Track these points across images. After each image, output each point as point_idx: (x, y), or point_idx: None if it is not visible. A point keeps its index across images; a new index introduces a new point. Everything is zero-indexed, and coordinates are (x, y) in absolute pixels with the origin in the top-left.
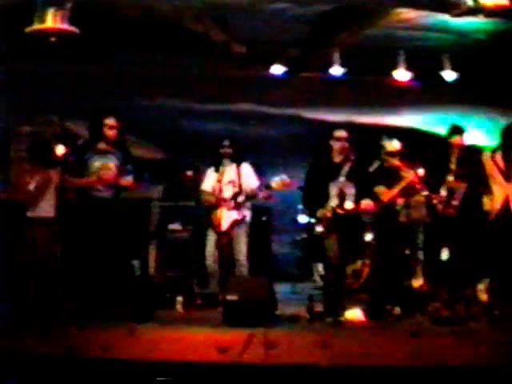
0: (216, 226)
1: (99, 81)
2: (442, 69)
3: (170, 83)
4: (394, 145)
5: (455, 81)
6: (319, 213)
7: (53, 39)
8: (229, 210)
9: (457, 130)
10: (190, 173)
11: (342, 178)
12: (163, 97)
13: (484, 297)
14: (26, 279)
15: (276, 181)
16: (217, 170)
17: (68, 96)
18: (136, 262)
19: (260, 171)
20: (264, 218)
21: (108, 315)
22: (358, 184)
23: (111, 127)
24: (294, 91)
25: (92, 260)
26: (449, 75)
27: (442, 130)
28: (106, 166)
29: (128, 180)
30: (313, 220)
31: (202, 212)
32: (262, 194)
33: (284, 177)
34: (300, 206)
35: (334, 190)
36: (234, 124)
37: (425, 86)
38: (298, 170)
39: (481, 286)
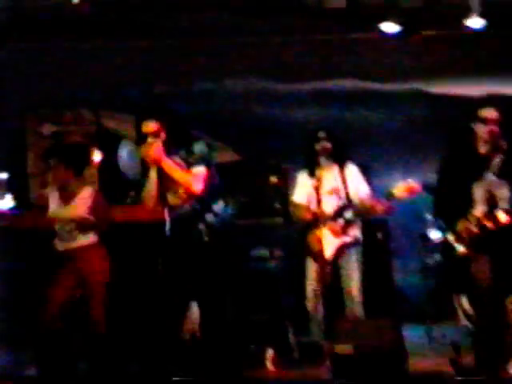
0: (316, 253)
1: (142, 59)
2: None
3: (242, 56)
4: None
5: None
6: (460, 226)
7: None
8: (333, 229)
9: None
10: (274, 178)
11: (490, 176)
12: (233, 76)
13: None
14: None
15: (399, 187)
16: (312, 175)
17: (101, 82)
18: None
19: (370, 174)
20: (379, 237)
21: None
22: None
23: (153, 134)
24: (413, 57)
25: (147, 302)
26: None
27: None
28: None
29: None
30: (450, 236)
31: (295, 232)
32: (379, 206)
33: (410, 180)
34: (430, 217)
35: (479, 193)
36: (331, 109)
37: None
38: (424, 168)
39: None
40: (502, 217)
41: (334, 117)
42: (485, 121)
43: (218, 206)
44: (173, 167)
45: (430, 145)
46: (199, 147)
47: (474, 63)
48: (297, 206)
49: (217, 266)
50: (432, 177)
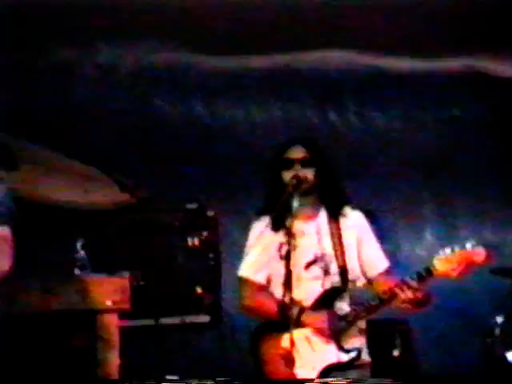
0: (278, 379)
1: None
2: None
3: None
4: None
5: None
6: None
7: None
8: (320, 334)
9: None
10: (193, 239)
11: None
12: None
13: None
14: None
15: (448, 256)
16: (277, 227)
17: None
18: None
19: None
20: (396, 354)
21: None
22: None
23: None
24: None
25: None
26: None
27: None
28: None
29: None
30: None
31: (235, 342)
32: (406, 294)
33: (469, 245)
34: (500, 320)
35: None
36: (310, 104)
37: None
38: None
39: None
40: None
41: (316, 118)
42: None
43: None
44: None
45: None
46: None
47: None
48: (245, 285)
49: None
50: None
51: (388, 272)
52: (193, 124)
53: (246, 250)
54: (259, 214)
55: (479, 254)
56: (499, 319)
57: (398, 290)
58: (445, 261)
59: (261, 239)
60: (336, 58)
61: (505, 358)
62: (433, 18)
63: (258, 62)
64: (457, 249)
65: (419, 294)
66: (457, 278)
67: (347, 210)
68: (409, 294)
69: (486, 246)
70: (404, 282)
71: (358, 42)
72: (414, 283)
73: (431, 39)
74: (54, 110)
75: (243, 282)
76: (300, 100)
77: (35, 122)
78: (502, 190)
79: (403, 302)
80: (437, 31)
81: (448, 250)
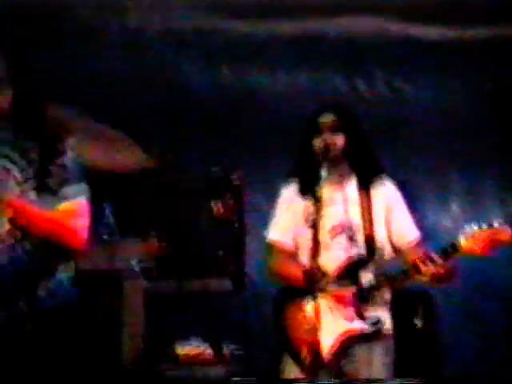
0: (304, 347)
1: None
2: None
3: None
4: None
5: None
6: None
7: None
8: (341, 302)
9: None
10: (217, 203)
11: None
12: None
13: None
14: None
15: (475, 232)
16: (306, 193)
17: None
18: None
19: (414, 197)
20: (419, 323)
21: None
22: None
23: None
24: None
25: None
26: None
27: None
28: None
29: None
30: None
31: (261, 308)
32: (431, 268)
33: (496, 223)
34: None
35: None
36: (340, 73)
37: None
38: None
39: None
40: None
41: (343, 86)
42: None
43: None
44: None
45: None
46: (71, 156)
47: None
48: (273, 250)
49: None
50: None
51: (418, 244)
52: (219, 89)
53: (274, 214)
54: (288, 178)
55: (506, 232)
56: None
57: (420, 264)
58: (471, 238)
59: (289, 204)
60: (364, 25)
61: None
62: None
63: (285, 28)
64: (484, 226)
65: (442, 270)
66: (482, 255)
67: (378, 180)
68: (431, 268)
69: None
70: (427, 256)
71: (389, 10)
72: (437, 258)
73: (461, 7)
74: (80, 74)
75: (271, 245)
76: (327, 67)
77: (63, 86)
78: None
79: (425, 275)
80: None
81: (475, 227)
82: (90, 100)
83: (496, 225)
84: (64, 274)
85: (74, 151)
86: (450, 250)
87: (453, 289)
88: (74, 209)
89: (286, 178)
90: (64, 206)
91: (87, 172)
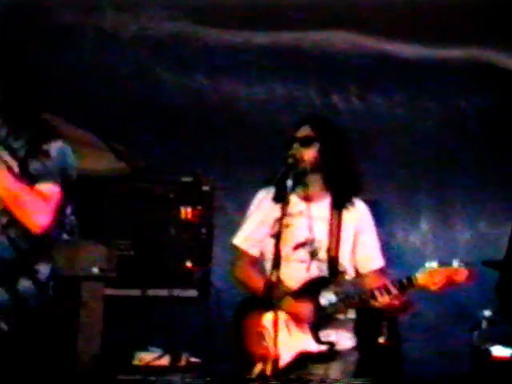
0: (260, 359)
1: None
2: None
3: None
4: None
5: None
6: None
7: None
8: (299, 319)
9: None
10: (186, 209)
11: None
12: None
13: None
14: None
15: (431, 270)
16: (277, 200)
17: None
18: None
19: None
20: (381, 340)
21: None
22: None
23: None
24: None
25: None
26: None
27: None
28: None
29: None
30: None
31: (222, 317)
32: (387, 299)
33: (455, 264)
34: (488, 313)
35: None
36: (315, 86)
37: None
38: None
39: None
40: None
41: (318, 98)
42: None
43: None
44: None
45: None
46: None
47: None
48: (237, 255)
49: None
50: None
51: (381, 272)
52: (193, 96)
53: (244, 220)
54: (264, 184)
55: (462, 273)
56: (487, 313)
57: (377, 293)
58: (428, 274)
59: (260, 210)
60: (341, 39)
61: (489, 352)
62: (439, 5)
63: (261, 38)
64: (443, 265)
65: (396, 302)
66: (435, 292)
67: (352, 200)
68: (387, 299)
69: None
70: (385, 286)
71: (365, 26)
72: (394, 290)
73: (437, 27)
74: (54, 74)
75: (237, 251)
76: (303, 80)
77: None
78: (499, 183)
79: (380, 305)
80: (442, 19)
81: (434, 264)
82: (63, 101)
83: (455, 265)
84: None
85: (60, 154)
86: (406, 283)
87: (418, 305)
88: (43, 191)
89: (263, 183)
90: (36, 186)
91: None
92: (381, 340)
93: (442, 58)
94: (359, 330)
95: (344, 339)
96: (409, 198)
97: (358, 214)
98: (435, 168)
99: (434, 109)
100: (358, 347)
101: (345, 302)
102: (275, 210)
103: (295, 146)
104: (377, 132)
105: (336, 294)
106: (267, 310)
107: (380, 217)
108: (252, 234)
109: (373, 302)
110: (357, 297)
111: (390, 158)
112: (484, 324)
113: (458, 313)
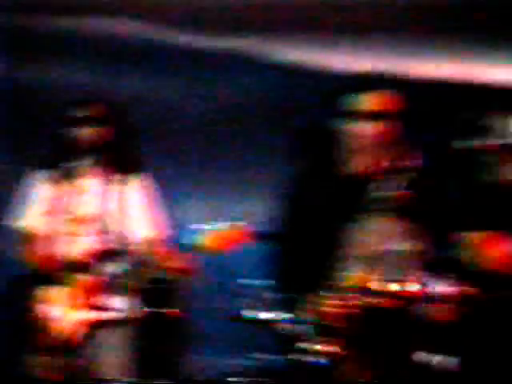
0: (47, 334)
1: None
2: None
3: None
4: None
5: None
6: (317, 302)
7: None
8: (85, 289)
9: None
10: None
11: (377, 213)
12: None
13: None
14: None
15: (210, 232)
16: (58, 180)
17: None
18: None
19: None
20: (164, 310)
21: None
22: (421, 225)
23: None
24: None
25: None
26: None
27: None
28: None
29: None
30: (299, 316)
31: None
32: (172, 262)
33: (237, 222)
34: (258, 283)
35: (356, 242)
36: (105, 73)
37: None
38: (259, 192)
39: None
40: (409, 287)
41: (107, 87)
42: (368, 115)
43: None
44: None
45: (269, 149)
46: None
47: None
48: (25, 237)
49: None
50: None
51: (164, 240)
52: None
53: (24, 201)
54: (42, 166)
55: (240, 232)
56: (245, 281)
57: (162, 258)
58: (209, 236)
59: (39, 188)
60: (122, 26)
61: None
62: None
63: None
64: (222, 225)
65: (183, 264)
66: (218, 252)
67: (133, 176)
68: (171, 264)
69: (248, 219)
70: (169, 253)
71: (143, 13)
72: (178, 253)
73: (212, 19)
74: None
75: (23, 232)
76: (86, 64)
77: None
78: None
79: (169, 269)
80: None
81: (213, 226)
82: None
83: (232, 224)
84: None
85: None
86: (186, 246)
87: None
88: None
89: (40, 165)
90: None
91: None
92: (167, 309)
93: (212, 48)
94: (147, 298)
95: (129, 306)
96: (186, 178)
97: (138, 188)
98: (208, 150)
99: (207, 93)
100: (144, 315)
101: (131, 270)
102: (55, 188)
103: (79, 125)
104: (160, 114)
105: (122, 263)
106: (54, 284)
107: (162, 193)
108: (34, 213)
109: (161, 267)
110: (143, 265)
111: (171, 138)
112: (243, 291)
113: (225, 281)
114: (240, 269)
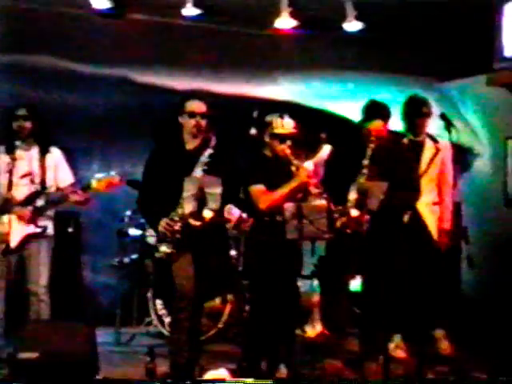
0: (2, 242)
1: None
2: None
3: None
4: (286, 125)
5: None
6: (163, 224)
7: None
8: (21, 217)
9: (378, 111)
10: None
11: (199, 173)
12: None
13: (400, 353)
14: None
15: (100, 179)
16: (8, 153)
17: None
18: None
19: (72, 160)
20: (70, 230)
21: None
22: (223, 181)
23: None
24: (121, 38)
25: None
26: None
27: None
28: None
29: None
30: (151, 234)
31: None
32: (75, 197)
33: (112, 173)
34: (129, 213)
35: (187, 191)
36: (25, 86)
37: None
38: (127, 160)
39: (397, 339)
40: (209, 214)
41: (31, 96)
42: (192, 114)
43: None
44: None
45: (136, 136)
46: None
47: (185, 54)
48: None
49: None
50: (136, 170)
51: (73, 185)
52: None
53: None
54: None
55: (116, 179)
56: (128, 212)
57: (70, 194)
58: (97, 182)
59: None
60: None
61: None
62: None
63: None
64: (105, 175)
65: (82, 198)
66: (104, 191)
67: (52, 149)
68: (75, 198)
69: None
70: (72, 191)
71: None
72: (79, 191)
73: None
74: None
75: None
76: None
77: None
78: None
79: (74, 201)
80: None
81: (101, 175)
82: None
83: (113, 174)
84: None
85: None
86: (85, 187)
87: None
88: None
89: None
90: None
91: None
92: (70, 230)
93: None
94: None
95: (50, 226)
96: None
97: (56, 155)
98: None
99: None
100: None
101: (49, 202)
102: (6, 159)
103: (19, 120)
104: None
105: (44, 199)
106: (4, 215)
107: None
108: None
109: (66, 201)
110: (56, 199)
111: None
112: (126, 219)
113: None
114: (118, 203)
